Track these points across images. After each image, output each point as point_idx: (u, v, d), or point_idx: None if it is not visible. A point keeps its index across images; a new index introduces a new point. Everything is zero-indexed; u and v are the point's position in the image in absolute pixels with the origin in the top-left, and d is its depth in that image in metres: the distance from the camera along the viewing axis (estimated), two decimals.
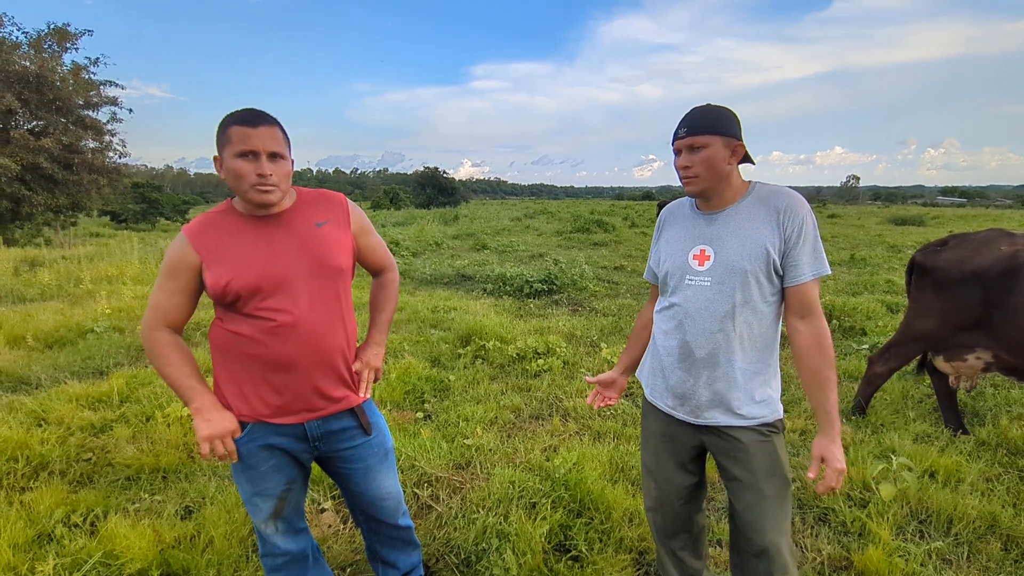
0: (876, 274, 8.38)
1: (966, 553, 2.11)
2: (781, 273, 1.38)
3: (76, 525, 2.24)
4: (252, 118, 1.31)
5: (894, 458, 2.40)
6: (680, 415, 1.52)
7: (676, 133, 1.42)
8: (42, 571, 1.85)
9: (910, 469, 2.42)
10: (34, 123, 10.81)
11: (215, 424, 1.39)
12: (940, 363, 3.07)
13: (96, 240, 15.13)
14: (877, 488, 2.37)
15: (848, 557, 2.08)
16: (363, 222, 1.58)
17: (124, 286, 7.00)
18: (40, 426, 3.09)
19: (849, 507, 2.36)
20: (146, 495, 2.50)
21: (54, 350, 4.64)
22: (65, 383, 3.73)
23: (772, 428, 1.45)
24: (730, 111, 1.41)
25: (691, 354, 1.46)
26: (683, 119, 1.42)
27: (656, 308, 1.61)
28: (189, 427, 3.06)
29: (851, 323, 5.30)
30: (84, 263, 8.55)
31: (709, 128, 1.37)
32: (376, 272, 1.71)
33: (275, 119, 1.36)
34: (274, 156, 1.33)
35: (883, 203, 65.05)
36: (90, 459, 2.81)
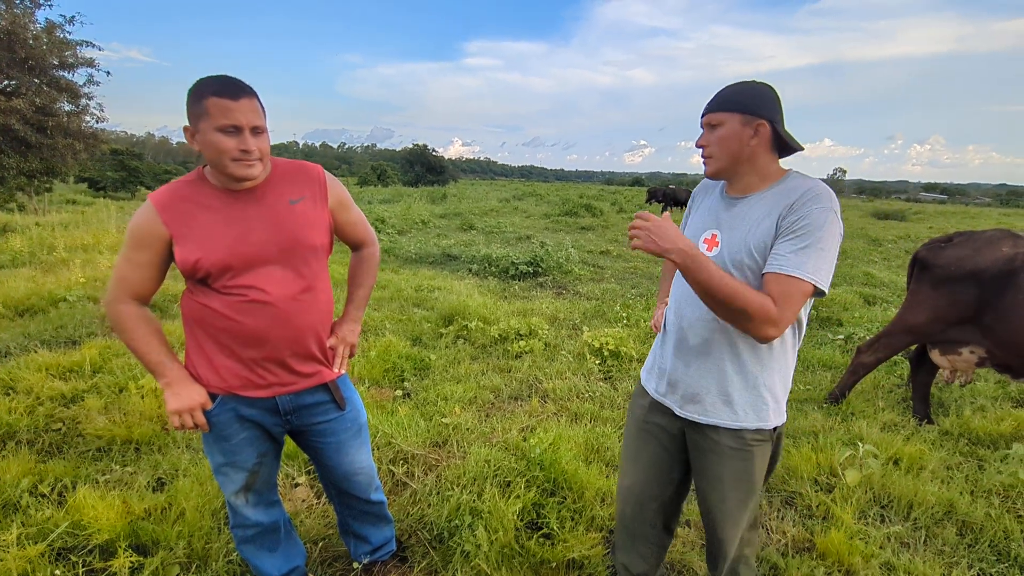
0: (855, 266, 8.52)
1: (923, 537, 2.18)
2: None
3: (43, 495, 2.20)
4: (232, 90, 1.24)
5: (861, 445, 2.46)
6: (667, 402, 1.46)
7: (704, 110, 1.34)
8: (5, 540, 1.82)
9: (875, 456, 2.49)
10: (4, 82, 10.35)
11: (184, 398, 1.37)
12: (936, 356, 3.11)
13: (72, 207, 14.69)
14: (843, 474, 2.43)
15: (811, 539, 2.14)
16: (341, 196, 1.53)
17: (100, 255, 6.82)
18: (8, 395, 3.02)
19: (816, 491, 2.43)
20: (117, 466, 2.47)
21: (24, 318, 4.52)
22: (35, 352, 3.64)
23: (757, 436, 1.36)
24: (763, 87, 1.29)
25: (685, 340, 1.39)
26: (713, 96, 1.33)
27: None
28: (163, 399, 3.02)
29: (828, 314, 5.39)
30: (59, 230, 8.30)
31: (726, 104, 1.27)
32: (355, 247, 1.67)
33: (252, 89, 1.29)
34: (256, 130, 1.28)
35: (867, 197, 65.90)
36: (60, 429, 2.76)
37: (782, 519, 2.28)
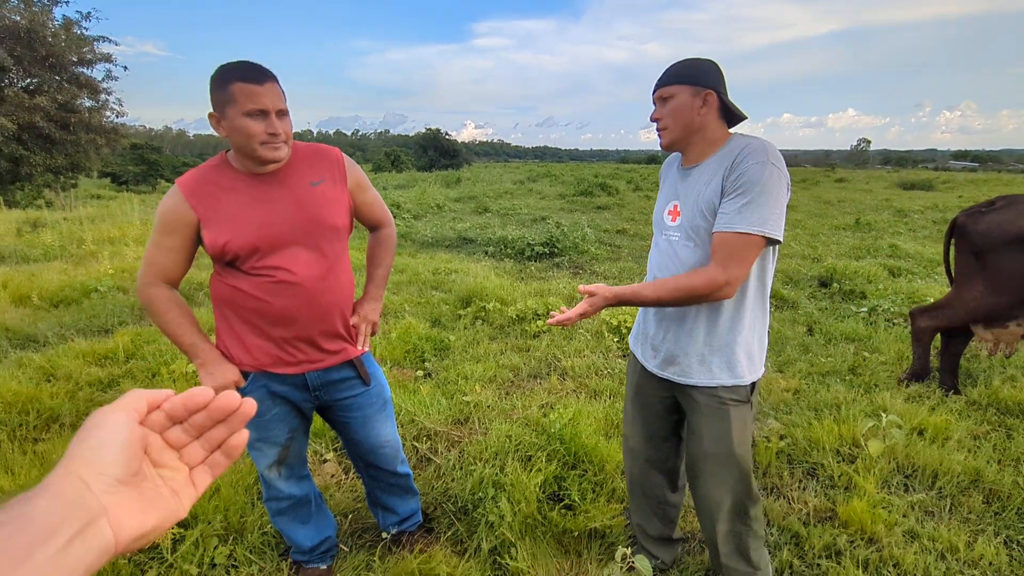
0: (880, 238, 8.31)
1: (948, 506, 2.17)
2: None
3: None
4: (257, 75, 1.27)
5: (884, 416, 2.44)
6: (650, 366, 1.55)
7: (653, 88, 1.44)
8: None
9: (899, 427, 2.47)
10: (28, 80, 10.57)
11: (218, 376, 1.42)
12: (979, 330, 2.97)
13: (97, 202, 15.06)
14: (866, 444, 2.42)
15: (833, 509, 2.14)
16: (359, 178, 1.56)
17: (126, 247, 7.02)
18: (49, 381, 3.17)
19: (838, 462, 2.42)
20: None
21: (59, 309, 4.69)
22: (72, 340, 3.80)
23: (732, 395, 1.43)
24: (708, 62, 1.39)
25: (662, 308, 1.48)
26: (661, 74, 1.42)
27: None
28: (195, 382, 3.13)
29: (851, 287, 5.29)
30: (86, 224, 8.54)
31: (676, 78, 1.37)
32: (373, 228, 1.70)
33: (274, 73, 1.32)
34: (281, 113, 1.31)
35: (893, 167, 63.77)
36: None
37: (804, 489, 2.28)
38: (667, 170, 1.58)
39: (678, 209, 1.44)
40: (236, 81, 1.25)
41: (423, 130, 50.05)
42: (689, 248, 1.41)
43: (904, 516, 2.09)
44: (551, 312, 1.42)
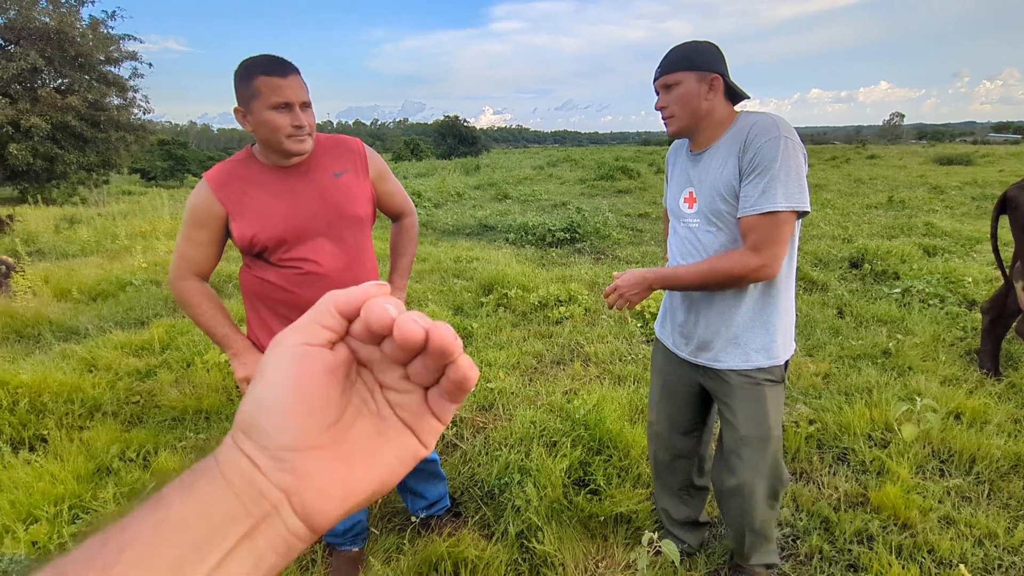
0: (915, 216, 8.02)
1: (987, 491, 2.11)
2: None
3: (131, 460, 2.43)
4: (280, 68, 1.28)
5: (919, 400, 2.38)
6: (683, 354, 1.54)
7: (655, 75, 1.40)
8: (103, 497, 2.03)
9: (935, 410, 2.40)
10: (59, 81, 10.88)
11: (251, 366, 1.45)
12: None
13: (128, 198, 15.52)
14: (899, 429, 2.36)
15: (865, 494, 2.11)
16: (381, 168, 1.57)
17: (157, 241, 7.23)
18: (91, 371, 3.30)
19: (870, 447, 2.37)
20: (191, 434, 2.68)
21: (97, 302, 4.87)
22: (110, 332, 3.94)
23: (768, 376, 1.43)
24: (708, 44, 1.36)
25: (690, 293, 1.47)
26: (661, 61, 1.39)
27: None
28: (227, 372, 3.23)
29: (883, 267, 5.13)
30: (118, 220, 8.82)
31: (679, 64, 1.34)
32: (395, 217, 1.71)
33: (296, 65, 1.34)
34: (304, 105, 1.32)
35: (928, 142, 61.15)
36: (138, 401, 3.01)
37: (834, 474, 2.25)
38: (675, 156, 1.56)
39: (694, 196, 1.42)
40: (260, 75, 1.26)
41: (441, 118, 50.03)
42: (711, 233, 1.39)
43: (940, 502, 2.04)
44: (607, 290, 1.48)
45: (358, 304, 0.28)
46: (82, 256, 6.80)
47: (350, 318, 0.29)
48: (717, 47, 1.36)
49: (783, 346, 1.43)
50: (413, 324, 0.26)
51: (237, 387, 3.07)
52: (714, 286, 1.34)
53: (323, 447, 0.27)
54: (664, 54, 1.38)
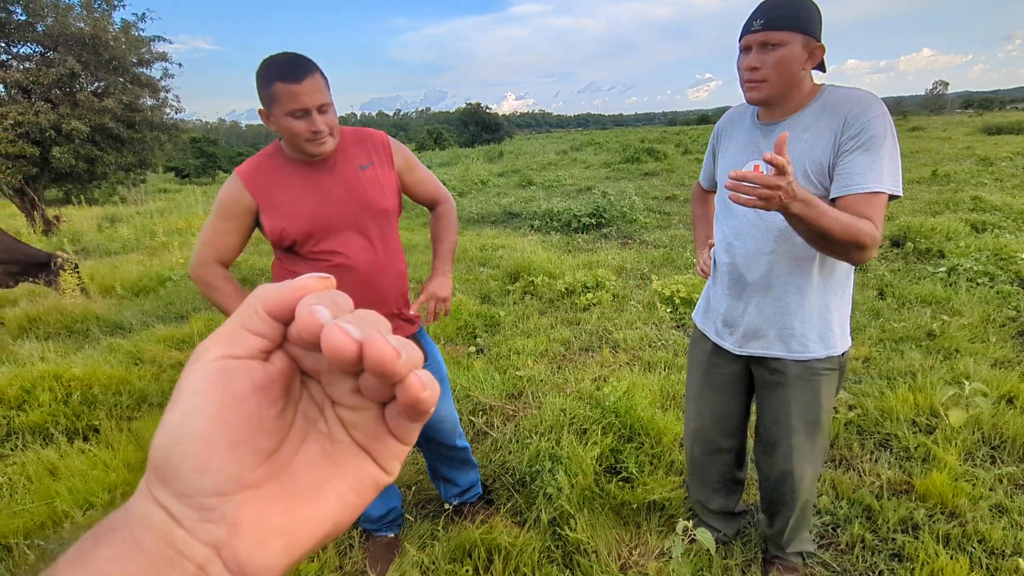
0: (961, 191, 7.61)
1: None
2: (829, 185, 1.20)
3: None
4: (295, 73, 1.27)
5: (967, 383, 2.27)
6: (726, 344, 1.45)
7: (748, 25, 1.20)
8: None
9: (985, 395, 2.29)
10: (95, 84, 11.24)
11: None
12: None
13: (164, 195, 16.07)
14: (946, 414, 2.27)
15: (909, 481, 2.03)
16: (407, 158, 1.56)
17: (193, 237, 7.47)
18: (136, 364, 3.45)
19: (914, 433, 2.29)
20: None
21: (140, 298, 5.08)
22: (153, 327, 4.11)
23: (825, 365, 1.35)
24: (813, 3, 1.20)
25: (741, 278, 1.36)
26: (758, 8, 1.19)
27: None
28: None
29: (927, 245, 4.90)
30: (156, 217, 9.14)
31: (788, 22, 1.16)
32: (430, 205, 1.70)
33: (314, 65, 1.32)
34: (322, 108, 1.31)
35: (976, 111, 57.77)
36: None
37: (876, 461, 2.17)
38: (734, 125, 1.41)
39: (761, 171, 1.26)
40: (276, 81, 1.27)
41: (463, 105, 49.87)
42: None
43: (991, 490, 1.95)
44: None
45: (291, 303, 0.23)
46: (123, 253, 7.08)
47: (284, 320, 0.23)
48: (819, 8, 1.21)
49: (841, 337, 1.35)
50: (341, 337, 0.21)
51: None
52: (838, 246, 1.12)
53: (258, 485, 0.22)
54: (762, 3, 1.20)
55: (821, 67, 1.25)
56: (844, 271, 1.31)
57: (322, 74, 1.34)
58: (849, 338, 1.38)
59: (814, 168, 1.20)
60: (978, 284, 3.93)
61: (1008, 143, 14.81)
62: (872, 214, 1.13)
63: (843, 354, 1.37)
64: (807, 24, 1.17)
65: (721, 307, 1.44)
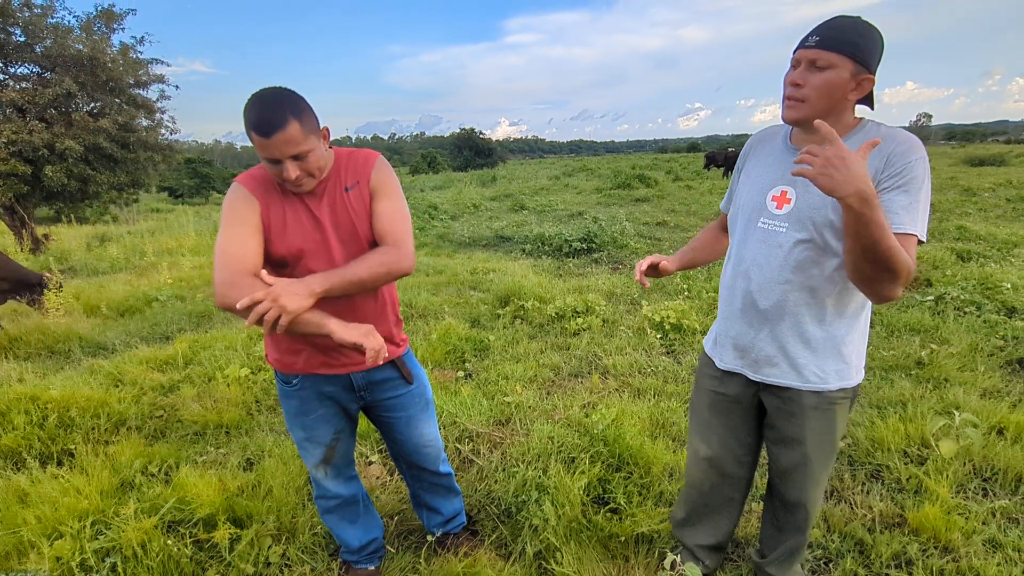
0: (946, 220, 7.76)
1: None
2: None
3: (153, 475, 2.45)
4: (265, 127, 1.22)
5: (957, 414, 2.26)
6: (737, 368, 1.41)
7: (804, 40, 1.17)
8: (124, 514, 2.05)
9: (975, 425, 2.28)
10: (91, 105, 11.30)
11: (352, 331, 1.28)
12: None
13: (156, 215, 16.02)
14: (937, 445, 2.25)
15: (902, 514, 2.00)
16: (382, 183, 1.43)
17: (183, 257, 7.41)
18: (117, 386, 3.37)
19: (905, 464, 2.26)
20: (212, 448, 2.70)
21: (125, 318, 5.00)
22: (136, 348, 4.03)
23: (840, 395, 1.32)
24: (877, 32, 1.14)
25: (754, 304, 1.32)
26: (820, 26, 1.16)
27: (727, 255, 1.47)
28: (247, 386, 3.26)
29: (915, 274, 4.95)
30: (147, 237, 9.09)
31: (846, 47, 1.11)
32: (377, 242, 1.44)
33: (291, 111, 1.23)
34: (298, 156, 1.27)
35: (959, 142, 59.37)
36: (162, 416, 3.05)
37: (867, 493, 2.14)
38: (764, 145, 1.36)
39: (788, 196, 1.23)
40: (251, 129, 1.25)
41: (458, 130, 50.58)
42: (803, 245, 1.21)
43: (984, 523, 1.93)
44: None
45: None
46: (111, 273, 7.01)
47: None
48: (883, 40, 1.15)
49: (857, 370, 1.33)
50: None
51: (267, 392, 3.10)
52: (875, 268, 1.07)
53: None
54: (827, 20, 1.16)
55: (869, 101, 1.21)
56: (859, 303, 1.28)
57: (304, 118, 1.26)
58: (863, 370, 1.36)
59: None
60: (965, 313, 3.97)
61: (990, 174, 15.20)
62: (909, 254, 1.10)
63: (857, 385, 1.35)
64: (863, 53, 1.12)
65: (732, 331, 1.41)
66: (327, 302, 1.39)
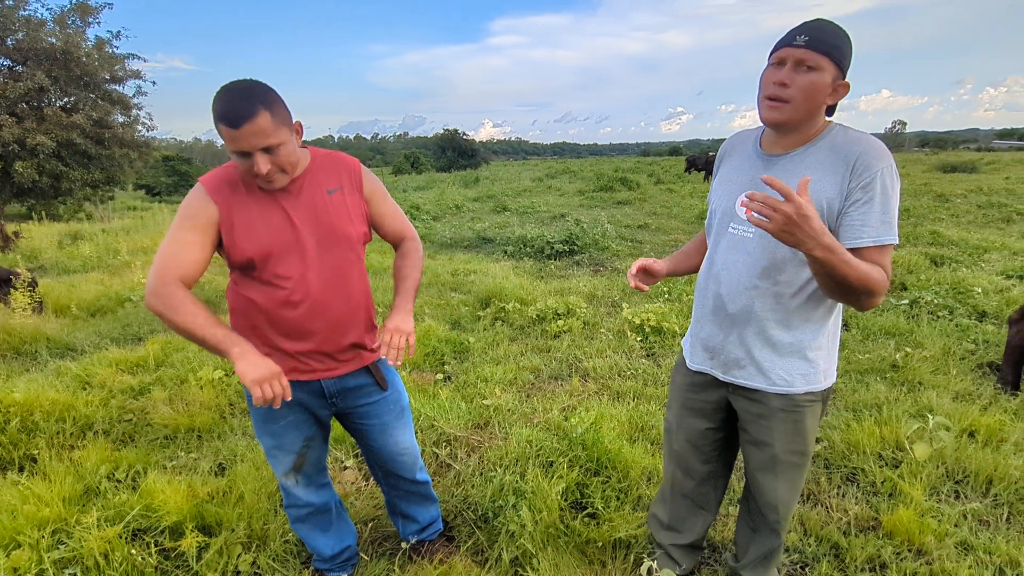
0: (920, 225, 7.94)
1: (1006, 515, 2.02)
2: (834, 232, 1.15)
3: (119, 481, 2.37)
4: (234, 116, 1.18)
5: (931, 417, 2.30)
6: (707, 369, 1.43)
7: (790, 38, 1.14)
8: (86, 522, 1.97)
9: (948, 428, 2.31)
10: (64, 100, 11.01)
11: (261, 367, 1.27)
12: None
13: (132, 213, 15.63)
14: (911, 448, 2.28)
15: (876, 517, 2.02)
16: (376, 187, 1.51)
17: None
18: (85, 389, 3.25)
19: (880, 467, 2.29)
20: (182, 453, 2.62)
21: (96, 318, 4.85)
22: (106, 349, 3.90)
23: (807, 398, 1.32)
24: (851, 42, 1.17)
25: (724, 308, 1.33)
26: (804, 26, 1.14)
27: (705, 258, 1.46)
28: (220, 389, 3.17)
29: (891, 277, 5.04)
30: (121, 236, 8.85)
31: (832, 50, 1.11)
32: (395, 242, 1.62)
33: (261, 102, 1.20)
34: (269, 149, 1.23)
35: (932, 149, 61.04)
36: (131, 420, 2.95)
37: (843, 496, 2.16)
38: (735, 150, 1.36)
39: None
40: (218, 121, 1.21)
41: (441, 131, 50.47)
42: (768, 246, 1.22)
43: (956, 526, 1.95)
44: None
45: None
46: (83, 272, 6.80)
47: None
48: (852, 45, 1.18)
49: (826, 374, 1.33)
50: None
51: (242, 395, 3.02)
52: (850, 293, 1.11)
53: None
54: (809, 21, 1.15)
55: (831, 108, 1.22)
56: (827, 308, 1.28)
57: (274, 109, 1.23)
58: (834, 374, 1.36)
59: (818, 210, 1.16)
60: (938, 317, 4.05)
61: (962, 181, 15.63)
62: (885, 263, 1.13)
63: (826, 389, 1.35)
64: (843, 58, 1.14)
65: (703, 332, 1.42)
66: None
